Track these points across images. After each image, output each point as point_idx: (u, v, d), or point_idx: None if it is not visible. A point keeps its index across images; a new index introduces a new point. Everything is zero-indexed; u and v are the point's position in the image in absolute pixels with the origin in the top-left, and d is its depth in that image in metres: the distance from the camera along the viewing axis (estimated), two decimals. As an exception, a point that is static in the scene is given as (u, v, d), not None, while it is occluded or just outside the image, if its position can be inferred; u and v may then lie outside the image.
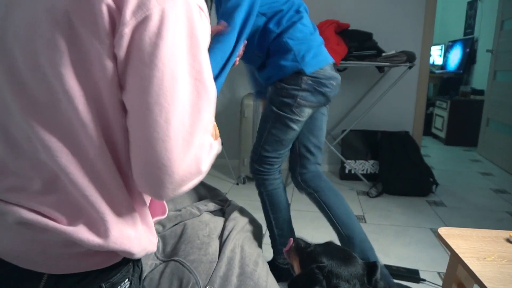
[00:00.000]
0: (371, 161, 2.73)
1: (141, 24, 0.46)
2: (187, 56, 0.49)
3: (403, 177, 2.51)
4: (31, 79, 0.49)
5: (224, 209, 1.38)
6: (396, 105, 2.83)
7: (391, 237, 1.91)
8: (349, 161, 2.75)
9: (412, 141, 2.67)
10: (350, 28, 2.56)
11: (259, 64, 1.38)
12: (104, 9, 0.46)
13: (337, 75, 1.36)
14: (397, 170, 2.53)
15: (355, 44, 2.41)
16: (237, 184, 2.67)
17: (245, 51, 1.27)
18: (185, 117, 0.49)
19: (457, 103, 3.87)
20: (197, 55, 0.50)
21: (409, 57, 2.34)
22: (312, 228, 2.00)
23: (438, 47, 4.95)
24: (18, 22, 0.50)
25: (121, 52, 0.47)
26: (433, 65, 4.97)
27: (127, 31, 0.46)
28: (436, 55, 4.99)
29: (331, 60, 1.37)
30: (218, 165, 2.98)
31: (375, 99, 2.74)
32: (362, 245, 1.39)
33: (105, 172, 0.51)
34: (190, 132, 0.50)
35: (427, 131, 4.20)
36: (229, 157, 2.81)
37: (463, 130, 3.90)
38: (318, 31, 1.40)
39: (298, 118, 1.33)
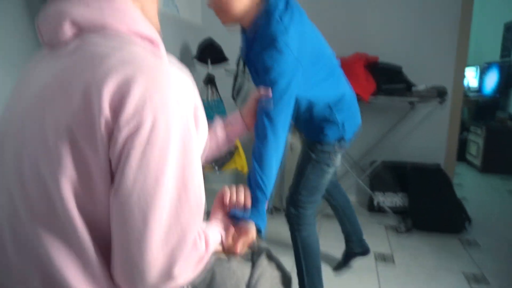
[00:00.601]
0: (400, 194, 2.67)
1: (134, 131, 0.51)
2: (175, 163, 0.53)
3: (433, 213, 2.44)
4: (33, 183, 0.55)
5: (253, 249, 1.40)
6: (427, 136, 2.77)
7: (421, 282, 1.86)
8: (377, 193, 2.70)
9: (444, 175, 2.59)
10: (379, 61, 2.55)
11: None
12: (103, 123, 0.51)
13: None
14: (428, 205, 2.47)
15: (384, 78, 2.40)
16: (264, 214, 2.68)
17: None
18: (162, 222, 0.52)
19: (493, 129, 3.73)
20: (185, 165, 0.54)
21: (440, 93, 2.30)
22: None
23: (473, 68, 4.80)
24: (28, 134, 0.57)
25: (114, 156, 0.51)
26: (468, 87, 4.82)
27: (120, 137, 0.51)
28: (471, 77, 4.83)
29: (359, 121, 1.49)
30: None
31: (405, 130, 2.70)
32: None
33: (100, 272, 0.55)
34: (165, 238, 0.53)
35: (461, 157, 4.06)
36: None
37: (500, 158, 3.74)
38: (349, 84, 1.47)
39: (334, 163, 1.44)
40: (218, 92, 2.63)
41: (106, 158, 0.52)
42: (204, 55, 2.54)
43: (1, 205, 0.59)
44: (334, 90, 1.34)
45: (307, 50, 1.17)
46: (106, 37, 0.58)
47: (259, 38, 1.16)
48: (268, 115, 1.09)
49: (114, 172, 0.53)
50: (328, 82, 1.32)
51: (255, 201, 1.06)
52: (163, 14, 2.23)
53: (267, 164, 1.11)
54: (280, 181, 2.65)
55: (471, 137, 4.06)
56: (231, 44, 2.87)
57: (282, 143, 1.15)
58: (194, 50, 2.69)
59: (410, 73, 2.57)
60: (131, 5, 0.63)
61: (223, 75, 2.83)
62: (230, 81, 2.95)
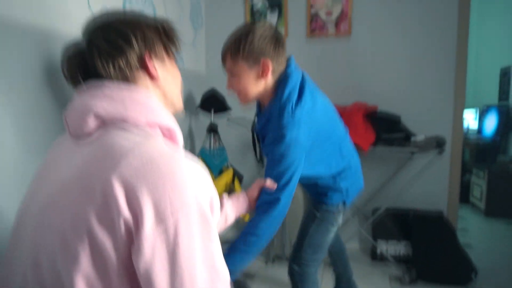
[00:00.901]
0: (404, 243, 2.64)
1: (159, 237, 0.54)
2: (201, 251, 0.57)
3: (438, 263, 2.40)
4: (47, 273, 0.57)
5: None
6: (429, 182, 2.77)
7: None
8: (380, 241, 2.68)
9: (447, 224, 2.57)
10: (378, 110, 2.61)
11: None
12: (122, 223, 0.53)
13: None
14: (431, 255, 2.43)
15: (383, 128, 2.44)
16: (266, 263, 2.65)
17: None
18: None
19: (495, 173, 3.72)
20: (209, 247, 0.58)
21: (439, 143, 2.33)
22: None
23: (473, 110, 4.87)
24: (47, 225, 0.59)
25: (140, 259, 0.54)
26: (468, 129, 4.87)
27: (145, 243, 0.53)
28: (470, 119, 4.89)
29: (362, 185, 1.61)
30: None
31: (406, 177, 2.71)
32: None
33: None
34: None
35: (465, 199, 4.03)
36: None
37: (504, 202, 3.71)
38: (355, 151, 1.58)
39: (337, 222, 1.51)
40: (220, 141, 2.68)
41: (125, 256, 0.55)
42: (208, 105, 2.62)
43: (16, 286, 0.61)
44: (339, 162, 1.41)
45: (316, 133, 1.25)
46: (126, 130, 0.62)
47: (272, 125, 1.24)
48: (274, 197, 1.20)
49: (139, 270, 0.54)
50: (334, 157, 1.39)
51: (236, 257, 1.17)
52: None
53: (264, 235, 1.20)
54: (281, 229, 2.64)
55: (474, 179, 4.05)
56: (233, 94, 2.97)
57: (281, 219, 1.22)
58: (198, 99, 2.77)
59: (409, 120, 2.62)
60: (151, 95, 0.68)
61: (225, 124, 2.90)
62: (232, 129, 3.02)
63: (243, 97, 1.29)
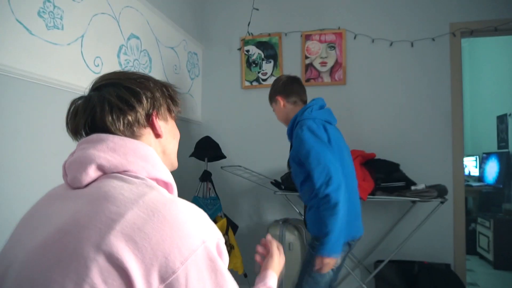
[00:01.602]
0: (410, 299, 2.47)
1: (170, 285, 0.52)
2: None
3: (448, 322, 2.22)
4: None
5: None
6: (433, 232, 2.65)
7: None
8: (385, 297, 2.50)
9: (456, 277, 2.42)
10: (376, 158, 2.56)
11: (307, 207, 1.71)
12: (125, 278, 0.51)
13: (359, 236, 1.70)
14: (441, 313, 2.26)
15: (382, 176, 2.38)
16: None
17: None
18: None
19: (502, 222, 3.59)
20: (222, 285, 0.58)
21: (440, 192, 2.25)
22: None
23: (473, 158, 4.83)
24: (35, 278, 0.55)
25: None
26: (469, 176, 4.79)
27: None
28: (471, 167, 4.84)
29: (360, 234, 1.69)
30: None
31: (409, 226, 2.60)
32: None
33: None
34: None
35: (472, 249, 3.86)
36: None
37: (513, 253, 3.54)
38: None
39: (335, 262, 1.57)
40: (214, 189, 2.60)
41: None
42: (201, 152, 2.58)
43: None
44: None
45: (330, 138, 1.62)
46: (127, 181, 0.62)
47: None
48: (324, 194, 1.48)
49: None
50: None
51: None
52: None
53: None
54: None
55: (480, 229, 3.90)
56: (228, 141, 2.94)
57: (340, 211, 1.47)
58: (192, 146, 2.74)
59: (408, 169, 2.56)
60: (153, 152, 0.71)
61: (219, 172, 2.84)
62: (226, 178, 2.96)
63: (285, 123, 1.88)
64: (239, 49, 3.09)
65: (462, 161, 2.68)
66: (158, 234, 0.54)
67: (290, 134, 1.75)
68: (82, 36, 1.74)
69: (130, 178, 0.63)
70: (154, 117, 0.73)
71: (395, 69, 2.79)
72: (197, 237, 0.57)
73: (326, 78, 2.91)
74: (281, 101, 1.78)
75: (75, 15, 1.69)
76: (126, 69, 1.96)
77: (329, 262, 1.49)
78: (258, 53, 3.06)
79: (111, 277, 0.51)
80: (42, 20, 1.50)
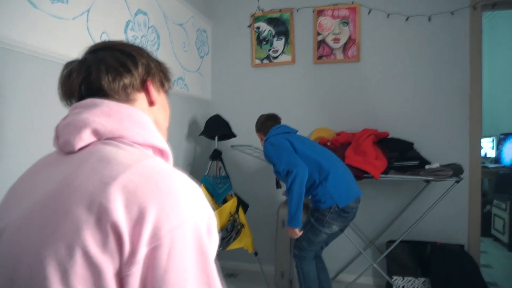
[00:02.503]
0: (422, 279, 2.44)
1: (152, 252, 0.51)
2: (196, 272, 0.54)
3: (461, 303, 2.19)
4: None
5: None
6: (447, 212, 2.59)
7: None
8: (395, 277, 2.48)
9: (470, 258, 2.37)
10: (389, 137, 2.49)
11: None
12: (115, 239, 0.50)
13: (357, 206, 1.98)
14: (454, 294, 2.22)
15: (395, 155, 2.32)
16: (272, 300, 2.47)
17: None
18: None
19: (518, 204, 3.50)
20: (205, 268, 0.55)
21: (456, 171, 2.18)
22: None
23: (489, 139, 4.70)
24: (27, 245, 0.54)
25: (132, 279, 0.51)
26: (486, 157, 4.68)
27: (139, 258, 0.50)
28: (488, 148, 4.71)
29: (358, 194, 1.98)
30: (252, 271, 2.83)
31: (422, 206, 2.55)
32: None
33: None
34: None
35: (486, 232, 3.79)
36: (264, 263, 2.65)
37: (530, 235, 3.46)
38: (344, 167, 2.07)
39: (326, 230, 1.97)
40: (225, 168, 2.58)
41: (116, 274, 0.51)
42: (212, 131, 2.55)
43: None
44: (321, 174, 1.95)
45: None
46: (121, 147, 0.61)
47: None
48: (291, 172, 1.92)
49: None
50: (315, 170, 1.96)
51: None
52: (173, 92, 2.29)
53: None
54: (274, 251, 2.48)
55: (495, 211, 3.82)
56: (238, 120, 2.91)
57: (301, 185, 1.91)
58: (202, 125, 2.71)
59: (422, 149, 2.49)
60: (148, 118, 0.69)
61: (230, 151, 2.81)
62: (236, 156, 2.94)
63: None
64: (249, 26, 3.02)
65: (480, 141, 2.59)
66: (148, 198, 0.52)
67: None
68: (88, 11, 1.70)
69: (124, 145, 0.62)
70: (149, 83, 0.73)
71: (411, 45, 2.68)
72: (188, 210, 0.55)
73: (339, 55, 2.82)
74: (259, 137, 2.29)
75: (80, -11, 1.65)
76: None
77: (294, 231, 1.96)
78: (269, 30, 2.98)
79: (104, 239, 0.50)
80: (46, -7, 1.46)
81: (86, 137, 0.62)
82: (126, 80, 0.69)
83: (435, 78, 2.64)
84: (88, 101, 0.66)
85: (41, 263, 0.50)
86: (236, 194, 2.54)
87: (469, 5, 2.59)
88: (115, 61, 0.68)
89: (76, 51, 1.59)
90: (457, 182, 2.25)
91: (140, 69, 0.71)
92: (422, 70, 2.66)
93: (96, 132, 0.62)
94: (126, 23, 1.99)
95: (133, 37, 2.04)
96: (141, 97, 0.72)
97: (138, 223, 0.51)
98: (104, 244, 0.50)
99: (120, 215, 0.51)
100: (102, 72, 0.67)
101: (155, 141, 0.67)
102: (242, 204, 2.48)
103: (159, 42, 2.31)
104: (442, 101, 2.62)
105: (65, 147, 0.64)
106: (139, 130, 0.65)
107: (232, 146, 2.70)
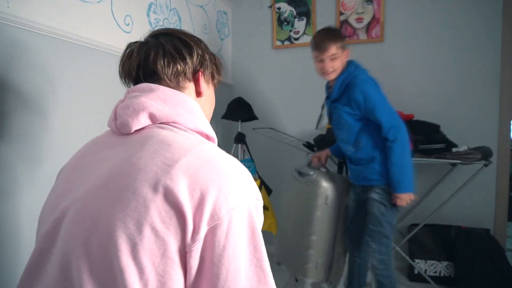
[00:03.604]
0: (445, 263, 2.42)
1: (212, 230, 0.55)
2: (248, 249, 0.59)
3: (485, 286, 2.17)
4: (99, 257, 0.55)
5: None
6: (473, 196, 2.54)
7: None
8: (418, 260, 2.47)
9: (495, 243, 2.34)
10: (414, 119, 2.44)
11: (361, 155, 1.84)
12: (179, 217, 0.54)
13: None
14: (478, 277, 2.21)
15: (421, 138, 2.27)
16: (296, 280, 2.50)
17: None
18: None
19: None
20: (257, 246, 0.60)
21: (484, 155, 2.13)
22: None
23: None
24: (94, 224, 0.57)
25: (194, 254, 0.55)
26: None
27: (201, 236, 0.55)
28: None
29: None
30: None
31: (447, 190, 2.50)
32: None
33: None
34: None
35: None
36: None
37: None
38: None
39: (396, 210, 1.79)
40: (249, 151, 2.59)
41: (179, 248, 0.55)
42: (234, 114, 2.55)
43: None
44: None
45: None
46: (177, 132, 0.65)
47: (349, 89, 1.75)
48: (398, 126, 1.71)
49: (191, 268, 0.55)
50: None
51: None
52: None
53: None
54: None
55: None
56: (259, 102, 2.89)
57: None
58: (224, 108, 2.71)
59: (449, 131, 2.43)
60: (198, 106, 0.73)
61: (253, 134, 2.81)
62: (258, 140, 2.93)
63: (334, 74, 1.77)
64: (270, 6, 2.96)
65: (510, 123, 2.51)
66: (208, 181, 0.56)
67: (341, 89, 1.78)
68: (112, -6, 1.70)
69: (179, 129, 0.66)
70: (200, 74, 0.76)
71: (438, 24, 2.58)
72: (242, 192, 0.59)
73: (362, 35, 2.75)
74: (347, 53, 1.79)
75: (104, -29, 1.64)
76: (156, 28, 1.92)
77: (409, 197, 1.70)
78: (290, 10, 2.92)
79: (168, 216, 0.54)
80: (72, -23, 1.46)
81: (143, 120, 0.66)
82: (180, 67, 0.72)
83: (463, 58, 2.54)
84: (145, 85, 0.70)
85: (113, 235, 0.54)
86: (260, 177, 2.55)
87: None
88: (173, 48, 0.72)
89: (100, 34, 1.61)
90: (486, 165, 2.20)
91: (195, 59, 0.74)
92: (449, 50, 2.56)
93: (152, 116, 0.66)
94: (148, 5, 1.98)
95: (156, 19, 2.03)
96: (190, 86, 0.76)
97: (200, 204, 0.55)
98: (169, 222, 0.54)
99: (184, 197, 0.54)
100: (159, 56, 0.71)
101: (204, 128, 0.71)
102: (266, 187, 2.50)
103: (180, 24, 2.30)
104: (470, 82, 2.53)
105: (122, 128, 0.67)
106: (192, 117, 0.69)
107: (254, 129, 2.69)
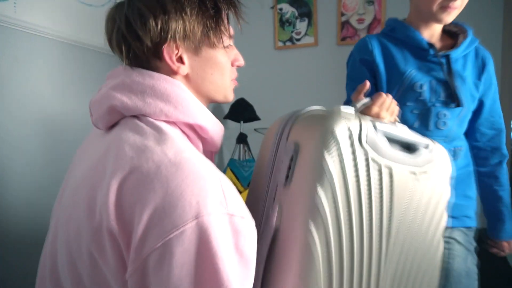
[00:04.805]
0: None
1: (147, 259, 0.46)
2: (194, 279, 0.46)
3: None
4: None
5: None
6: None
7: None
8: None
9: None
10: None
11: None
12: (111, 243, 0.48)
13: None
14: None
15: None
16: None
17: None
18: None
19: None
20: (216, 279, 0.46)
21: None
22: None
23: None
24: (68, 224, 0.56)
25: (132, 284, 0.48)
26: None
27: (135, 265, 0.46)
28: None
29: None
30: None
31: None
32: None
33: None
34: None
35: None
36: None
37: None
38: None
39: None
40: (250, 151, 2.62)
41: (117, 278, 0.49)
42: (237, 114, 2.58)
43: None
44: None
45: None
46: (139, 131, 0.55)
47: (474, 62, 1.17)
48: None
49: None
50: None
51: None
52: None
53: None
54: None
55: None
56: (261, 103, 2.92)
57: None
58: (226, 108, 2.74)
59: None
60: (178, 86, 0.58)
61: (253, 133, 2.84)
62: (259, 139, 2.95)
63: (454, 15, 1.12)
64: (272, 7, 2.98)
65: (510, 123, 2.54)
66: (141, 201, 0.47)
67: (469, 48, 1.18)
68: (117, -3, 1.72)
69: (143, 126, 0.55)
70: (164, 51, 0.58)
71: (439, 24, 2.60)
72: (189, 210, 0.45)
73: (364, 36, 2.77)
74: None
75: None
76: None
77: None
78: (292, 11, 2.94)
79: (102, 242, 0.49)
80: (79, -18, 1.49)
81: (110, 117, 0.58)
82: (135, 46, 0.57)
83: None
84: (117, 70, 0.61)
85: (93, 203, 0.52)
86: (260, 177, 2.58)
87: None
88: (125, 23, 0.57)
89: (101, 36, 1.64)
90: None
91: (152, 33, 0.56)
92: (450, 51, 2.59)
93: (118, 110, 0.57)
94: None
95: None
96: (164, 64, 0.60)
97: (129, 231, 0.47)
98: (103, 248, 0.50)
99: (113, 219, 0.47)
100: (114, 34, 0.59)
101: (182, 116, 0.57)
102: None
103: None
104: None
105: (97, 125, 0.62)
106: (163, 106, 0.56)
107: (255, 130, 2.72)
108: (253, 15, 3.04)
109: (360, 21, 2.78)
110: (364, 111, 0.73)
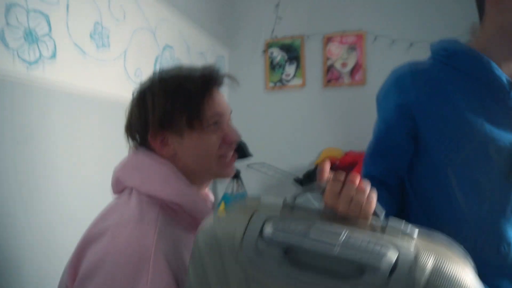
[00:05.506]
0: None
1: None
2: None
3: None
4: None
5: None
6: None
7: None
8: None
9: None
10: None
11: None
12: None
13: None
14: None
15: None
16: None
17: None
18: None
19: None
20: None
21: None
22: None
23: None
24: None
25: None
26: None
27: None
28: None
29: None
30: None
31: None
32: None
33: None
34: None
35: None
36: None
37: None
38: None
39: None
40: (243, 186, 2.79)
41: None
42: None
43: None
44: None
45: None
46: (118, 203, 0.64)
47: None
48: None
49: None
50: None
51: None
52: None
53: None
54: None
55: None
56: (252, 140, 3.12)
57: None
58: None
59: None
60: (151, 160, 0.65)
61: (246, 170, 3.03)
62: (254, 175, 3.13)
63: None
64: (264, 51, 3.25)
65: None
66: (98, 264, 0.56)
67: None
68: (125, 51, 1.94)
69: (122, 200, 0.63)
70: (150, 138, 0.67)
71: (414, 69, 2.87)
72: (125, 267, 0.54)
73: (347, 79, 3.03)
74: None
75: (119, 33, 1.89)
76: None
77: None
78: (282, 55, 3.21)
79: None
80: (93, 41, 1.71)
81: (116, 186, 0.70)
82: (137, 138, 0.71)
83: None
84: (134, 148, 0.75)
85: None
86: (252, 210, 2.74)
87: (470, 31, 2.77)
88: (129, 116, 0.72)
89: (114, 87, 1.83)
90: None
91: (139, 126, 0.68)
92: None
93: (120, 181, 0.68)
94: (155, 58, 2.23)
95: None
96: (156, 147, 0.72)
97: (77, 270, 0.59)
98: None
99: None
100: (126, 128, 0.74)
101: (153, 190, 0.61)
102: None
103: (183, 72, 2.55)
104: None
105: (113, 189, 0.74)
106: (135, 178, 0.63)
107: (248, 165, 2.91)
108: (246, 59, 3.30)
109: (344, 65, 3.05)
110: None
